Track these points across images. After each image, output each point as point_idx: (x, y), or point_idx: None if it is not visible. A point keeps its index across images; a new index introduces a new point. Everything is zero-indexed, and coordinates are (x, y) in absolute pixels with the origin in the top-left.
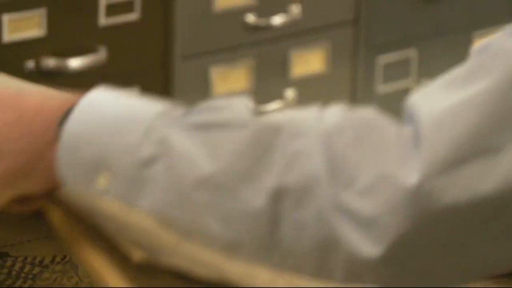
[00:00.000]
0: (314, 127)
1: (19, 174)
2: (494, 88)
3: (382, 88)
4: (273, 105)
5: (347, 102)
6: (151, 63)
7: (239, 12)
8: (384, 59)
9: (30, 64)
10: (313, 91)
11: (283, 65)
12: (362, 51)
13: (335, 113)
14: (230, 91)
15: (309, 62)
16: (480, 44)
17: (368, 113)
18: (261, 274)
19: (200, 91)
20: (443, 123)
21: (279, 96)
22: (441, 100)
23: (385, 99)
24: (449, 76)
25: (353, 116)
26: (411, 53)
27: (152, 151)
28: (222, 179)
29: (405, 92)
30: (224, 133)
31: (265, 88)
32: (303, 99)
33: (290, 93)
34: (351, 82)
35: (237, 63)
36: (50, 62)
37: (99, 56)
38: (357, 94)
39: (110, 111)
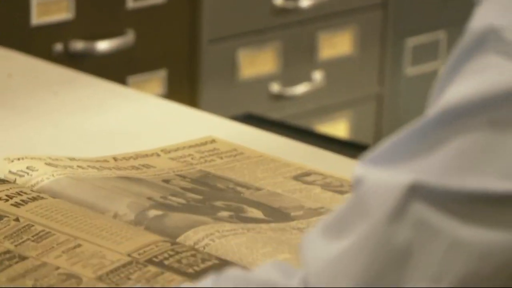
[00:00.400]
0: None
1: None
2: (370, 233)
3: (410, 70)
4: (301, 88)
5: (375, 85)
6: (179, 46)
7: None
8: (412, 41)
9: (58, 47)
10: (341, 74)
11: (311, 48)
12: (391, 34)
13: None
14: (258, 74)
15: (337, 44)
16: (355, 176)
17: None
18: None
19: (227, 74)
20: (327, 278)
21: (307, 78)
22: (322, 251)
23: (413, 81)
24: (328, 220)
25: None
26: (440, 35)
27: None
28: None
29: (433, 74)
30: None
31: (293, 70)
32: (331, 82)
33: (317, 75)
34: (379, 65)
35: (264, 46)
36: (78, 45)
37: (127, 39)
38: (385, 77)
39: None
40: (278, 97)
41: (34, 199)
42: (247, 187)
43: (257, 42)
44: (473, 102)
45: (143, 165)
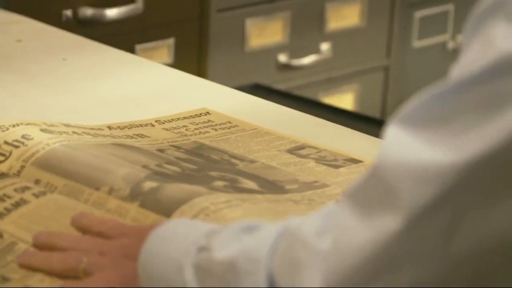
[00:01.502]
0: None
1: None
2: (398, 233)
3: (418, 43)
4: (309, 59)
5: (383, 57)
6: (187, 15)
7: None
8: (421, 13)
9: (68, 13)
10: (348, 45)
11: (319, 19)
12: (399, 6)
13: None
14: (266, 44)
15: (345, 16)
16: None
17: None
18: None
19: (235, 44)
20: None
21: (314, 49)
22: (353, 232)
23: (421, 53)
24: (354, 191)
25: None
26: (449, 7)
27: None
28: None
29: (441, 47)
30: None
31: (301, 41)
32: (339, 53)
33: (325, 46)
34: (387, 37)
35: (273, 16)
36: (87, 12)
37: (136, 6)
38: (392, 49)
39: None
40: (286, 68)
41: (17, 204)
42: (241, 159)
43: (265, 12)
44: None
45: (138, 135)
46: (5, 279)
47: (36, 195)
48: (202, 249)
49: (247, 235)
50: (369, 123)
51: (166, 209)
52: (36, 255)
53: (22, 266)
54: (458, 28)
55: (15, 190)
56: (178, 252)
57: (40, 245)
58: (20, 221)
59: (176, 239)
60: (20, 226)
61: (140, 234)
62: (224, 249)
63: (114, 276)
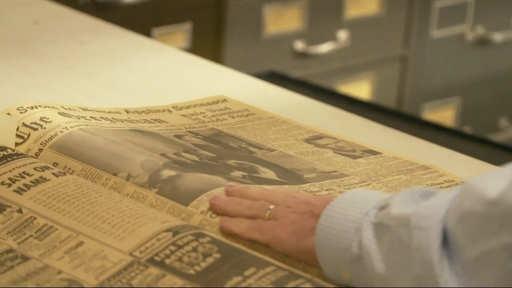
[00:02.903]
0: None
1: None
2: None
3: (436, 33)
4: (325, 47)
5: (400, 47)
6: (205, 0)
7: None
8: (440, 3)
9: None
10: (366, 34)
11: (337, 7)
12: None
13: None
14: (283, 31)
15: (363, 4)
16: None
17: None
18: None
19: (252, 30)
20: None
21: (331, 37)
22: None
23: (439, 44)
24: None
25: None
26: None
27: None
28: None
29: (460, 38)
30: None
31: (318, 29)
32: (356, 42)
33: (343, 35)
34: (405, 26)
35: (290, 3)
36: None
37: None
38: (410, 39)
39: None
40: (302, 55)
41: (37, 182)
42: (259, 147)
43: None
44: None
45: (155, 120)
46: (25, 258)
47: (56, 175)
48: (381, 208)
49: (423, 198)
50: (385, 114)
51: (184, 198)
52: (227, 199)
53: (213, 206)
54: (477, 19)
55: (35, 168)
56: (358, 214)
57: (232, 193)
58: (40, 197)
59: (357, 203)
60: (40, 202)
61: (326, 201)
62: (401, 207)
63: (293, 224)
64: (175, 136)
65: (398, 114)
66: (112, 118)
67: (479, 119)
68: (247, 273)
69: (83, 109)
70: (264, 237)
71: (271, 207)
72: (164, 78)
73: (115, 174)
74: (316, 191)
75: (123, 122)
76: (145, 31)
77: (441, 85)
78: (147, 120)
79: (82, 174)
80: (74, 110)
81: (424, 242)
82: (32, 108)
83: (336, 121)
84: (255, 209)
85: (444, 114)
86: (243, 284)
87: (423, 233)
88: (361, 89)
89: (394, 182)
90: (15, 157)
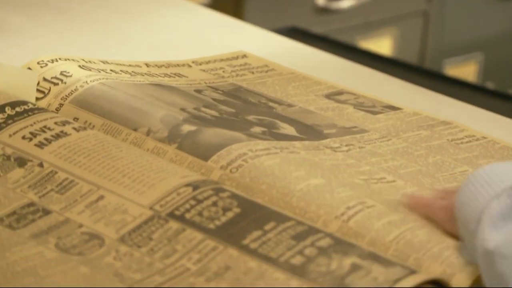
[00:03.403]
0: None
1: None
2: None
3: None
4: (347, 2)
5: (423, 1)
6: None
7: None
8: None
9: None
10: None
11: None
12: None
13: None
14: None
15: None
16: None
17: None
18: None
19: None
20: None
21: None
22: None
23: (461, 0)
24: None
25: None
26: None
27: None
28: None
29: None
30: None
31: None
32: None
33: None
34: None
35: None
36: None
37: None
38: None
39: None
40: (323, 11)
41: (57, 136)
42: (279, 102)
43: None
44: None
45: (175, 74)
46: (46, 211)
47: (77, 129)
48: None
49: None
50: (407, 69)
51: (204, 153)
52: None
53: (409, 205)
54: None
55: (56, 123)
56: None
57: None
58: (61, 151)
59: (490, 183)
60: (60, 156)
61: None
62: None
63: None
64: (195, 90)
65: (420, 70)
66: (132, 72)
67: (501, 74)
68: (267, 227)
69: (103, 62)
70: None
71: None
72: (185, 34)
73: (135, 129)
74: (336, 147)
75: (143, 75)
76: None
77: (464, 41)
78: (167, 74)
79: (103, 129)
80: (95, 63)
81: None
82: (52, 61)
83: (357, 77)
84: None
85: (466, 70)
86: (263, 239)
87: None
88: (382, 45)
89: (415, 138)
90: (36, 111)
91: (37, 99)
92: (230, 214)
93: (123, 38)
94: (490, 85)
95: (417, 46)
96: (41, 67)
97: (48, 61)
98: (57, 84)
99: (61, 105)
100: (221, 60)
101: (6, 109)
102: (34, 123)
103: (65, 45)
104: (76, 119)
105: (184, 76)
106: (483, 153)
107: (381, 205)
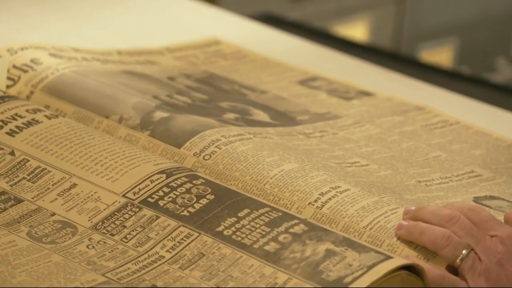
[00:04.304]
0: None
1: None
2: None
3: None
4: None
5: None
6: None
7: None
8: None
9: None
10: None
11: None
12: None
13: None
14: None
15: None
16: None
17: None
18: None
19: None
20: None
21: None
22: None
23: None
24: None
25: None
26: None
27: None
28: None
29: None
30: None
31: None
32: None
33: None
34: None
35: None
36: None
37: None
38: None
39: None
40: None
41: (29, 124)
42: (252, 89)
43: None
44: None
45: (148, 61)
46: (18, 200)
47: (49, 117)
48: None
49: None
50: (381, 55)
51: (177, 140)
52: (410, 227)
53: (401, 236)
54: None
55: (27, 111)
56: None
57: (410, 218)
58: (32, 138)
59: None
60: (32, 144)
61: None
62: None
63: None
64: (168, 78)
65: (395, 56)
66: (104, 59)
67: (476, 58)
68: (240, 214)
69: (75, 50)
70: None
71: (464, 252)
72: (157, 19)
73: (107, 116)
74: (310, 133)
75: (115, 63)
76: None
77: (438, 25)
78: (139, 62)
79: (74, 116)
80: (66, 51)
81: None
82: (22, 49)
83: (331, 63)
84: (451, 250)
85: (441, 54)
86: (237, 226)
87: None
88: (357, 30)
89: (388, 123)
90: (7, 99)
91: (7, 86)
92: (203, 201)
93: (95, 24)
94: (465, 69)
95: (392, 30)
96: (11, 54)
97: (18, 48)
98: (27, 71)
99: (32, 92)
100: (194, 47)
101: None
102: (5, 110)
103: (34, 31)
104: (47, 106)
105: (157, 64)
106: (456, 138)
107: (354, 188)
